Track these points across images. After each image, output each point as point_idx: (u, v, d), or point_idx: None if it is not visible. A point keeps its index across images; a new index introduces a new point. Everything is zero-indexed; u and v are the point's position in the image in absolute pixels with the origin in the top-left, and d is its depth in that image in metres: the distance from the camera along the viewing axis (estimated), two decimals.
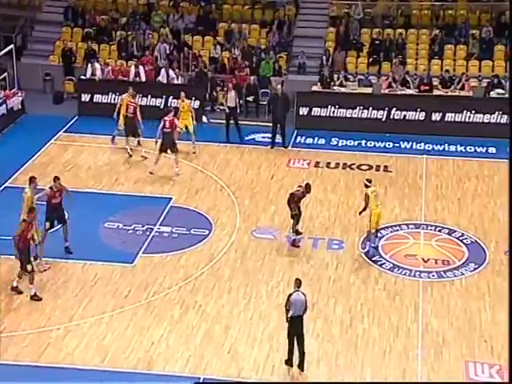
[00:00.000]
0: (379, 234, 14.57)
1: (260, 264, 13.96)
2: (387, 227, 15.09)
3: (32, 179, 13.79)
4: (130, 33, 22.61)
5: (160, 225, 15.14)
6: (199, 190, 16.68)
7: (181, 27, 23.03)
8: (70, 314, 12.52)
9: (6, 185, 16.72)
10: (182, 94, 18.39)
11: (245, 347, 11.79)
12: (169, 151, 17.11)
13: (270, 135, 18.78)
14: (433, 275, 13.75)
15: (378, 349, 11.82)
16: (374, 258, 14.16)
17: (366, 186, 14.29)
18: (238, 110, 18.99)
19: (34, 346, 11.70)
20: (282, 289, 13.17)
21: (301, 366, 11.28)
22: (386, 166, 17.93)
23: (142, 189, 16.75)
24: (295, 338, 11.16)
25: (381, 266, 13.99)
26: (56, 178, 13.86)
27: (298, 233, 14.60)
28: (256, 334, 12.09)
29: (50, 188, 13.73)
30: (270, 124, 18.84)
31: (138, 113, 17.86)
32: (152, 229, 15.01)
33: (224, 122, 18.91)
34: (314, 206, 15.99)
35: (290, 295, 11.19)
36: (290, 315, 11.07)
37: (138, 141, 18.23)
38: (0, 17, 23.68)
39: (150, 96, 20.08)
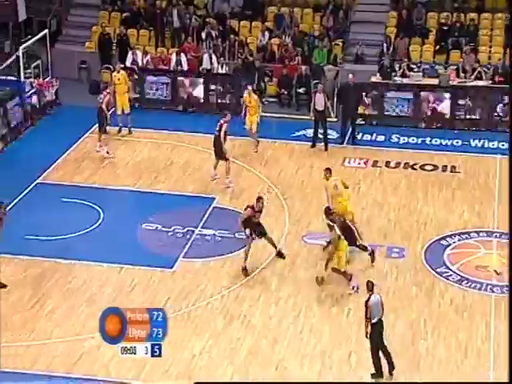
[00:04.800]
0: (445, 242, 14.35)
1: (311, 273, 13.92)
2: (455, 235, 14.87)
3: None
4: (170, 17, 22.80)
5: (202, 227, 15.24)
6: (244, 190, 16.71)
7: (226, 11, 23.18)
8: None
9: (38, 181, 17.07)
10: (249, 87, 18.42)
11: (294, 364, 11.77)
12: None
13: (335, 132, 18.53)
14: (507, 290, 13.48)
15: (443, 371, 11.65)
16: (438, 270, 13.96)
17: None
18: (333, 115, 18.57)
19: (67, 356, 11.91)
20: (335, 300, 13.12)
21: (391, 371, 11.33)
22: (453, 167, 17.69)
23: (184, 188, 16.89)
24: (379, 345, 11.20)
25: (447, 277, 13.79)
26: (259, 199, 13.90)
27: (362, 248, 13.96)
28: (306, 349, 12.05)
29: (252, 208, 13.82)
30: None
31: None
32: (193, 231, 15.11)
33: (312, 128, 18.52)
34: (372, 209, 15.86)
35: (367, 301, 11.15)
36: (373, 322, 11.07)
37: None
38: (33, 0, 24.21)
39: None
